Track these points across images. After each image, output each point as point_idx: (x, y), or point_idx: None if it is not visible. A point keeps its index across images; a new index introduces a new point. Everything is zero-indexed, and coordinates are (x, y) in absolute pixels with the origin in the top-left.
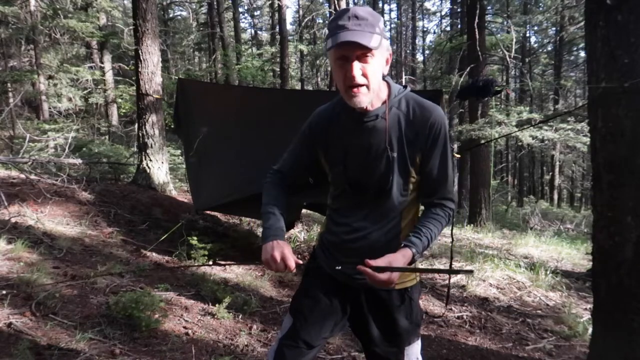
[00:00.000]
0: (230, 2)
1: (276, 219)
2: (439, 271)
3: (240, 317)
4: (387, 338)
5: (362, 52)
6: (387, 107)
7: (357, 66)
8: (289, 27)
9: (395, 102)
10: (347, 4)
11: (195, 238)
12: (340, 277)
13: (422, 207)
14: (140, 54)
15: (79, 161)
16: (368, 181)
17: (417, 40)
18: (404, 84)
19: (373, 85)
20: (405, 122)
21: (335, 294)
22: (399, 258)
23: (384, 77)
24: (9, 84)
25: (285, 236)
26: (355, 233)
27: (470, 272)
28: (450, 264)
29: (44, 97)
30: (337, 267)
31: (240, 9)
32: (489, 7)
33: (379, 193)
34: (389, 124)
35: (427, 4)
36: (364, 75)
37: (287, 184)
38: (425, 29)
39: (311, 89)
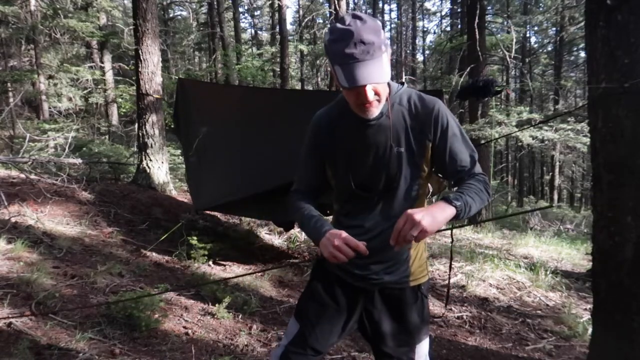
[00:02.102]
0: (230, 2)
1: (318, 217)
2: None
3: (240, 317)
4: (400, 337)
5: None
6: (389, 105)
7: (370, 90)
8: (289, 27)
9: (397, 99)
10: (347, 4)
11: (195, 238)
12: (351, 279)
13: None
14: (141, 53)
15: (79, 161)
16: (376, 179)
17: (417, 40)
18: (403, 82)
19: (383, 96)
20: (409, 117)
21: (343, 298)
22: (438, 210)
23: None
24: (9, 84)
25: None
26: (368, 234)
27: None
28: (450, 264)
29: (44, 97)
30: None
31: (240, 9)
32: (489, 7)
33: (388, 190)
34: (393, 120)
35: (427, 4)
36: (376, 93)
37: (311, 201)
38: (425, 29)
39: (311, 89)
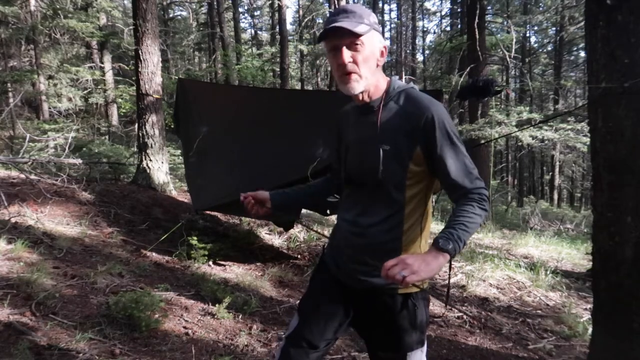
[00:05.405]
0: (230, 2)
1: (286, 190)
2: None
3: (240, 317)
4: (389, 343)
5: (350, 40)
6: (382, 99)
7: (346, 53)
8: (289, 27)
9: (395, 96)
10: (347, 3)
11: (195, 238)
12: (343, 277)
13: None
14: (140, 54)
15: (79, 161)
16: (361, 173)
17: (417, 40)
18: (410, 83)
19: (364, 73)
20: (401, 116)
21: (339, 296)
22: (430, 257)
23: (385, 73)
24: (9, 84)
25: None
26: (355, 228)
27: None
28: (450, 264)
29: (44, 97)
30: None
31: (240, 9)
32: (489, 7)
33: (373, 186)
34: (383, 115)
35: (427, 4)
36: (355, 62)
37: (332, 184)
38: (425, 29)
39: (311, 89)
